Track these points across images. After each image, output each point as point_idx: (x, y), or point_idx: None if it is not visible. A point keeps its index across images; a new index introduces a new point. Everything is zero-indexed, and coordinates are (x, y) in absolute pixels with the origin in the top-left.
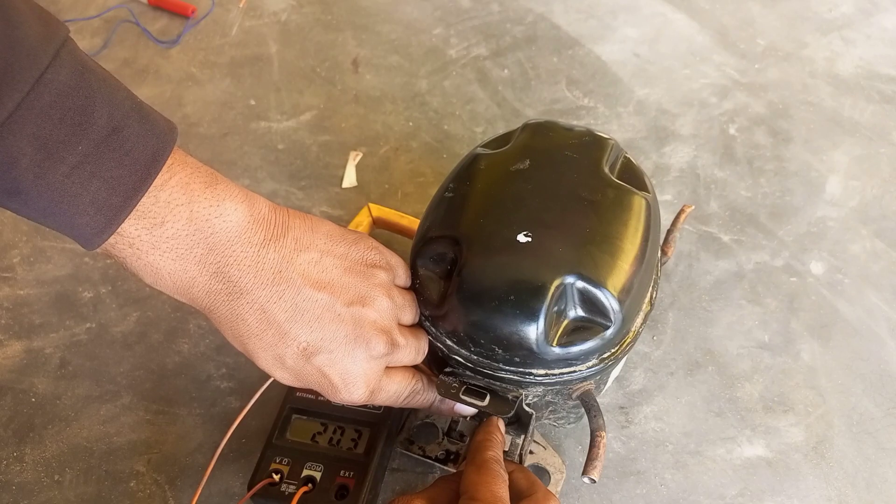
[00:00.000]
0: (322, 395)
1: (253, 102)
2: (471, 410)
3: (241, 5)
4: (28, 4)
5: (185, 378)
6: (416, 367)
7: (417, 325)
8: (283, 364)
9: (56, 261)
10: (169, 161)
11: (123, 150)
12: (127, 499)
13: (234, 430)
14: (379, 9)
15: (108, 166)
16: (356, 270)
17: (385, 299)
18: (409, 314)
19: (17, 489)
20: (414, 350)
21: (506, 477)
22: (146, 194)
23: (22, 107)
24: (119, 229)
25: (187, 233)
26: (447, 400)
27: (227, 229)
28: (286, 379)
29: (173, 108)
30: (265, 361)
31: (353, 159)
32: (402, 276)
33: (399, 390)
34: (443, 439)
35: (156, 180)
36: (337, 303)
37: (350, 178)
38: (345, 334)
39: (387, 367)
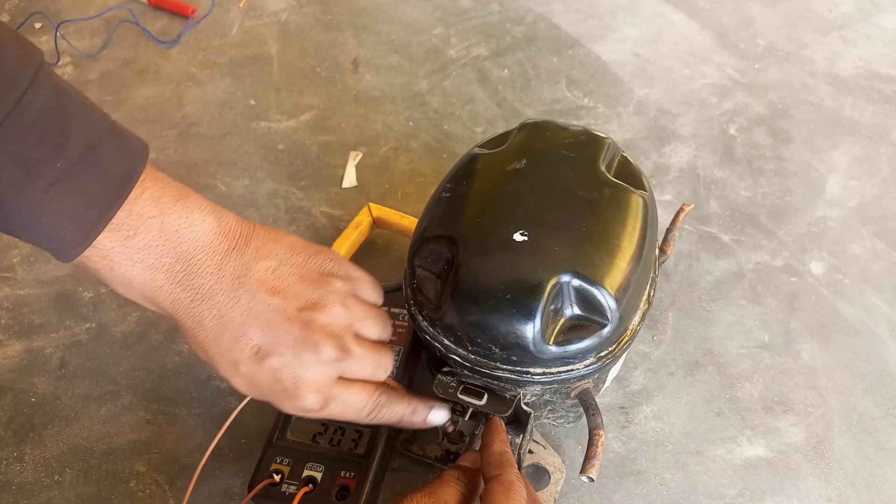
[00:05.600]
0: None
1: (253, 102)
2: (443, 419)
3: (241, 5)
4: (5, 29)
5: (185, 378)
6: (382, 383)
7: (385, 343)
8: (238, 370)
9: (56, 261)
10: (141, 177)
11: (100, 167)
12: (127, 499)
13: (234, 430)
14: (379, 9)
15: (85, 182)
16: (312, 278)
17: (338, 306)
18: (371, 328)
19: (17, 489)
20: (372, 363)
21: (525, 494)
22: (120, 208)
23: (3, 126)
24: (94, 242)
25: (158, 243)
26: (418, 412)
27: (194, 239)
28: (243, 386)
29: (173, 108)
30: (224, 368)
31: (353, 159)
32: (368, 291)
33: (359, 403)
34: (442, 439)
35: (129, 195)
36: (289, 307)
37: (350, 178)
38: (294, 337)
39: (344, 379)
